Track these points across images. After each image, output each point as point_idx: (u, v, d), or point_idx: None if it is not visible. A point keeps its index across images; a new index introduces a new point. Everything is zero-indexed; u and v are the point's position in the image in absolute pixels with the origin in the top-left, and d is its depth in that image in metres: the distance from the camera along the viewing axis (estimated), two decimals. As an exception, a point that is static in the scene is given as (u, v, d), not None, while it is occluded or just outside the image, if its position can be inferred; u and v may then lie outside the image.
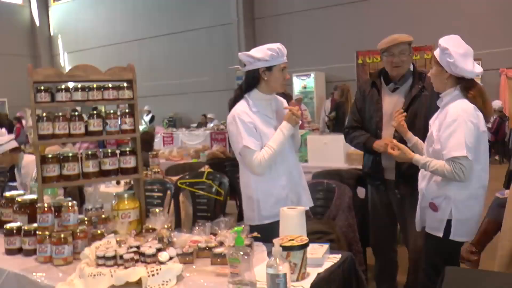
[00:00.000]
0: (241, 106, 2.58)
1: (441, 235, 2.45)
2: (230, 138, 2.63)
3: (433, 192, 2.49)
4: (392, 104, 2.99)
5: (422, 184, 2.59)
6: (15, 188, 4.05)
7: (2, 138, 4.13)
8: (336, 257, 2.06)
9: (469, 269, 3.03)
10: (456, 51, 2.39)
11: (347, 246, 2.94)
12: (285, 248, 1.77)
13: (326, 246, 2.10)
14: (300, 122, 2.68)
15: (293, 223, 2.06)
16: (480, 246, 3.37)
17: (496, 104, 10.27)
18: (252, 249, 2.05)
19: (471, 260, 3.34)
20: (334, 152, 4.82)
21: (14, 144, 4.16)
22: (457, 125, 2.33)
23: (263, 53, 2.52)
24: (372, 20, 11.73)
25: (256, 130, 2.53)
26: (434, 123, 2.55)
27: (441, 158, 2.41)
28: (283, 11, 13.80)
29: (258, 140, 2.52)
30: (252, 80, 2.59)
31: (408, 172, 2.80)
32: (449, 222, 2.43)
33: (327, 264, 1.99)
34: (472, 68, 2.42)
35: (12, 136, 4.40)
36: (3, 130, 4.34)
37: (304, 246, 1.82)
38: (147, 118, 14.57)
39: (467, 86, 2.44)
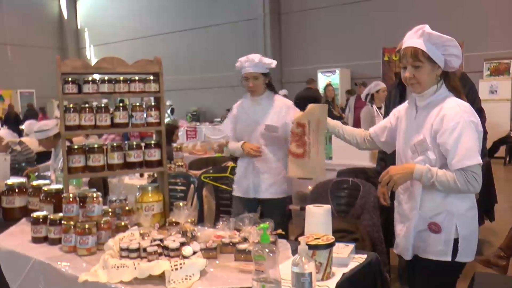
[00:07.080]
0: None
1: (449, 258, 2.02)
2: None
3: (431, 210, 2.04)
4: None
5: (409, 204, 2.13)
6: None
7: (48, 123, 4.42)
8: (361, 257, 2.02)
9: (499, 275, 2.94)
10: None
11: (371, 246, 2.88)
12: (311, 247, 1.74)
13: (351, 246, 2.06)
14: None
15: (319, 221, 2.02)
16: (509, 251, 3.27)
17: None
18: (277, 247, 2.02)
19: (499, 265, 3.25)
20: (359, 150, 4.72)
21: (57, 129, 4.37)
22: (461, 128, 1.92)
23: None
24: (399, 16, 11.50)
25: None
26: (418, 128, 2.08)
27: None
28: (309, 7, 13.68)
29: None
30: None
31: None
32: (455, 241, 2.02)
33: (353, 264, 1.95)
34: None
35: (56, 121, 4.59)
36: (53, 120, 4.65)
37: (330, 246, 1.79)
38: (168, 110, 14.68)
39: (452, 79, 2.09)
